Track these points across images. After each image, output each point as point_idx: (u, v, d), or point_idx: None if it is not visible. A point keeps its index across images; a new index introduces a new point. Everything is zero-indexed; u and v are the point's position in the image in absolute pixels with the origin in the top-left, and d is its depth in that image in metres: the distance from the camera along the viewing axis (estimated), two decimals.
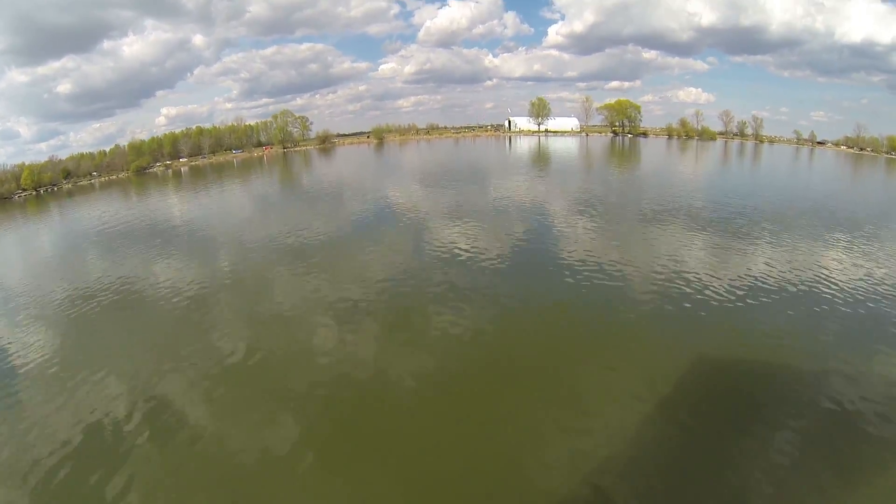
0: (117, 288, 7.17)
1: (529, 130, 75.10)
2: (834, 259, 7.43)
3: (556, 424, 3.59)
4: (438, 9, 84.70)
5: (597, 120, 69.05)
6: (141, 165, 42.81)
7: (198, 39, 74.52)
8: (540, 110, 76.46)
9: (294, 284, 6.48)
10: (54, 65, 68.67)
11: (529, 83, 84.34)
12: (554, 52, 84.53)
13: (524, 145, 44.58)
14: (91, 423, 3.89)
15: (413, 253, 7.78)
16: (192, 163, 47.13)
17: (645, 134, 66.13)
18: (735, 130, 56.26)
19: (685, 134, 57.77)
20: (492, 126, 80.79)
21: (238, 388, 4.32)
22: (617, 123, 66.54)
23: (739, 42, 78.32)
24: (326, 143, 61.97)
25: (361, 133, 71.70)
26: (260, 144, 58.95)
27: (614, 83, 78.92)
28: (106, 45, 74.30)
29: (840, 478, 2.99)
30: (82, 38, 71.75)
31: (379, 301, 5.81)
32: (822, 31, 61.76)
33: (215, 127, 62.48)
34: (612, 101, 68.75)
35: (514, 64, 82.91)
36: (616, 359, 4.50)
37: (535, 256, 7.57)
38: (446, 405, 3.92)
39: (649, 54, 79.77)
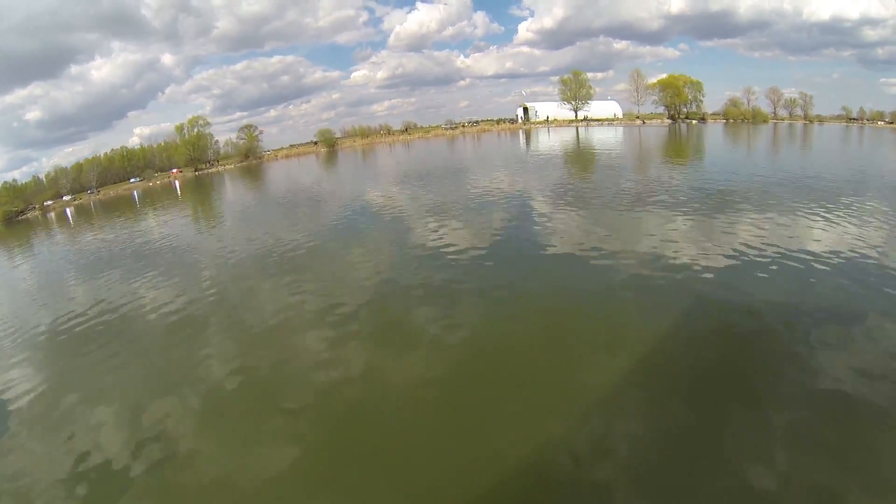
0: (98, 316, 11.21)
1: (563, 120, 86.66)
2: (825, 229, 11.88)
3: (552, 419, 5.61)
4: (407, 13, 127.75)
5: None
6: (11, 211, 53.93)
7: (167, 58, 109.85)
8: (577, 90, 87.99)
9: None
10: (21, 92, 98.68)
11: (503, 80, 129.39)
12: (525, 49, 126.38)
13: (555, 144, 47.66)
14: (83, 457, 6.08)
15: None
16: (77, 202, 59.40)
17: (703, 118, 78.63)
18: (785, 111, 79.16)
19: (742, 117, 74.57)
20: (507, 120, 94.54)
21: (230, 409, 6.70)
22: (673, 107, 79.59)
23: (709, 27, 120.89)
24: (251, 158, 75.20)
25: (302, 143, 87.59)
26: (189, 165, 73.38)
27: (587, 74, 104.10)
28: (73, 69, 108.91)
29: (835, 450, 4.84)
30: (48, 64, 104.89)
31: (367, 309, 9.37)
32: (789, 11, 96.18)
33: (143, 147, 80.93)
34: (664, 76, 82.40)
35: (486, 63, 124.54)
36: (609, 345, 7.14)
37: (522, 248, 12.07)
38: (439, 408, 6.11)
39: (620, 44, 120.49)
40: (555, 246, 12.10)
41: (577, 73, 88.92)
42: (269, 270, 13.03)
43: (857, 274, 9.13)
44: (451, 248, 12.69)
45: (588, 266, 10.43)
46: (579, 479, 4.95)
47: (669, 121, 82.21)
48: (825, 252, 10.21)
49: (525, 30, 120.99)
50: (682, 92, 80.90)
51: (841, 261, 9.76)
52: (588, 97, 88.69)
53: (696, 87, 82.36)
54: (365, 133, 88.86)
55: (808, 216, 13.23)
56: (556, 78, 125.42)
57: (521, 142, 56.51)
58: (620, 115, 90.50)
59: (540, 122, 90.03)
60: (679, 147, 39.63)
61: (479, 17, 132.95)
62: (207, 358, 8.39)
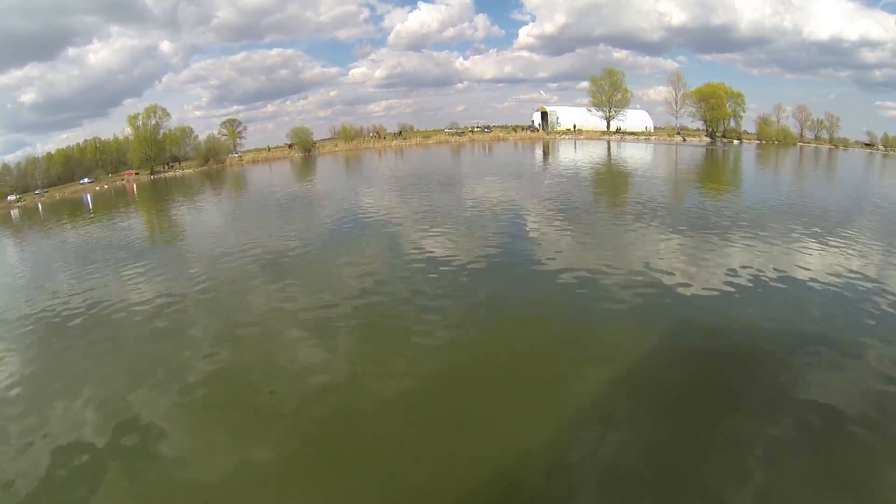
0: (84, 307, 13.31)
1: (594, 131, 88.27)
2: (813, 251, 14.49)
3: (537, 430, 6.74)
4: (409, 12, 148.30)
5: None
6: None
7: (165, 46, 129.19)
8: (611, 94, 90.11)
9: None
10: (17, 73, 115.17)
11: (500, 85, 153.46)
12: (525, 54, 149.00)
13: (584, 164, 45.68)
14: (61, 448, 7.17)
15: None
16: (19, 203, 63.43)
17: (740, 138, 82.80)
18: (810, 133, 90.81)
19: (774, 139, 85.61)
20: (528, 128, 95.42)
21: (213, 407, 7.92)
22: (713, 122, 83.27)
23: (709, 41, 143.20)
24: (210, 162, 77.82)
25: (276, 146, 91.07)
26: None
27: (585, 83, 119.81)
28: (70, 52, 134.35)
29: (823, 469, 5.91)
30: (46, 45, 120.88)
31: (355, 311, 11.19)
32: (790, 29, 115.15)
33: (118, 139, 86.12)
34: (701, 85, 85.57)
35: (484, 66, 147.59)
36: (596, 359, 8.57)
37: (511, 261, 14.46)
38: (423, 415, 7.29)
39: (620, 54, 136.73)
40: (546, 260, 14.32)
41: (612, 72, 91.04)
42: (256, 275, 15.07)
43: (846, 299, 10.95)
44: (441, 260, 14.79)
45: (579, 281, 12.28)
46: (560, 490, 5.94)
47: (708, 139, 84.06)
48: (816, 278, 12.22)
49: (526, 34, 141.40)
50: (724, 105, 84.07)
51: (832, 287, 11.66)
52: (624, 103, 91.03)
53: (738, 99, 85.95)
54: (349, 135, 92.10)
55: (802, 243, 15.77)
56: (554, 85, 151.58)
57: (541, 157, 55.78)
58: (651, 128, 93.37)
59: (562, 132, 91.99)
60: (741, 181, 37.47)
61: (481, 19, 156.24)
62: (190, 358, 9.73)
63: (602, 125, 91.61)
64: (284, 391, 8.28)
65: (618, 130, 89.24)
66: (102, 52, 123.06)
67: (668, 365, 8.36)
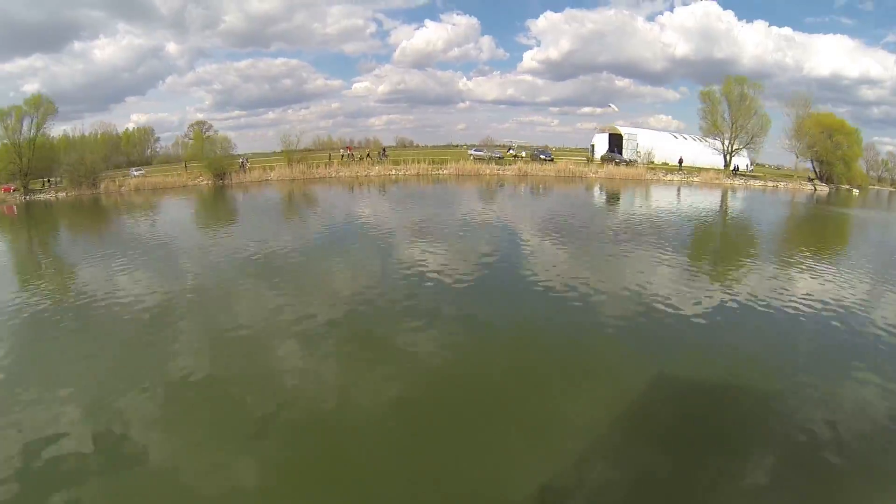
0: (70, 303, 14.51)
1: (711, 170, 62.82)
2: (804, 282, 16.01)
3: (525, 451, 7.09)
4: (415, 30, 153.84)
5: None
6: None
7: (171, 47, 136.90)
8: (737, 116, 63.60)
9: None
10: (21, 62, 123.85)
11: (502, 107, 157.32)
12: (528, 77, 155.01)
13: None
14: (36, 448, 7.27)
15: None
16: None
17: (848, 184, 67.47)
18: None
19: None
20: (620, 161, 68.89)
21: (197, 413, 8.23)
22: (831, 164, 65.51)
23: (712, 73, 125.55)
24: (83, 187, 57.50)
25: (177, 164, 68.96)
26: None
27: (586, 109, 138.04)
28: (77, 46, 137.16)
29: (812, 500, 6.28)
30: (51, 37, 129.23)
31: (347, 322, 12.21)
32: (791, 65, 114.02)
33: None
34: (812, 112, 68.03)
35: (487, 88, 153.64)
36: (586, 382, 9.15)
37: (504, 278, 16.23)
38: (412, 430, 7.66)
39: (622, 82, 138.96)
40: (540, 281, 15.45)
41: (742, 81, 64.95)
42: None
43: (840, 329, 11.91)
44: (431, 274, 16.16)
45: (573, 303, 13.36)
46: None
47: (823, 185, 63.49)
48: (811, 306, 13.27)
49: (530, 58, 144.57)
50: (853, 142, 66.60)
51: (825, 315, 12.70)
52: (759, 133, 64.51)
53: (851, 136, 66.95)
54: (295, 153, 62.79)
55: (798, 271, 17.59)
56: (555, 109, 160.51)
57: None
58: (749, 167, 71.19)
59: (657, 168, 64.63)
60: None
61: (486, 41, 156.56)
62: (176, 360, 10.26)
63: (710, 159, 66.08)
64: (272, 400, 8.58)
65: (735, 171, 63.99)
66: (108, 49, 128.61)
67: (658, 392, 8.72)
